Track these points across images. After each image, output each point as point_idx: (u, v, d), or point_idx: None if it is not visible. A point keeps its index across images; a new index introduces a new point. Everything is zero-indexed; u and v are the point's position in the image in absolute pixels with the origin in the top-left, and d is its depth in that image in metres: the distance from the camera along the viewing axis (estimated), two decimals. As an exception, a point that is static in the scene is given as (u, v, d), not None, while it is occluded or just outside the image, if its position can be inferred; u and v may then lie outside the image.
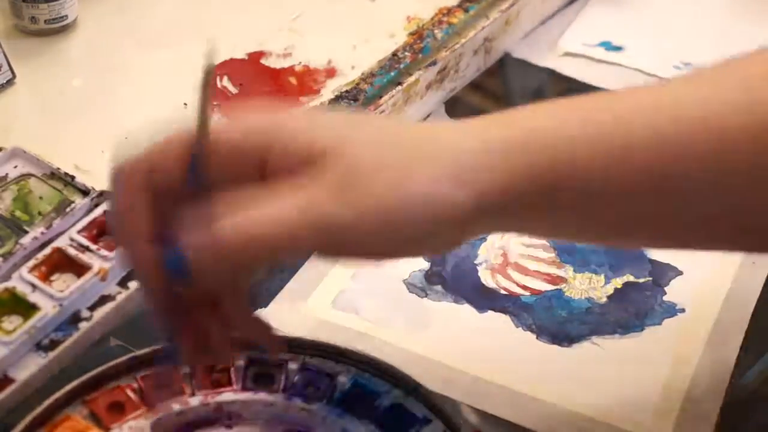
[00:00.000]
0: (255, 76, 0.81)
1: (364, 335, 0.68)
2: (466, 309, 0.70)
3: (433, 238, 0.51)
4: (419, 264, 0.73)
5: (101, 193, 0.70)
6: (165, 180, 0.51)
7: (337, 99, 0.79)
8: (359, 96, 0.79)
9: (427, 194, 0.50)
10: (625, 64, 0.89)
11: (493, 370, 0.66)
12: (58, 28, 0.84)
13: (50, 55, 0.83)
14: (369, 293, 0.71)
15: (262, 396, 0.60)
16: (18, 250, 0.67)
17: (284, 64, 0.83)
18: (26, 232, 0.68)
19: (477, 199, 0.50)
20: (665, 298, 0.71)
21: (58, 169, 0.71)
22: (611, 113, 0.52)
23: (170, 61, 0.82)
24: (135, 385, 0.60)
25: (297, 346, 0.62)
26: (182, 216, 0.50)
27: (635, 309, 0.70)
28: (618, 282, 0.72)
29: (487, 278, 0.72)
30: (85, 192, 0.70)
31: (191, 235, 0.49)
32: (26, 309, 0.64)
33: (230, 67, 0.82)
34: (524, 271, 0.73)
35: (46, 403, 0.58)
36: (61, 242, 0.67)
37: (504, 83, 0.90)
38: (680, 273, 0.72)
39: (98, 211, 0.69)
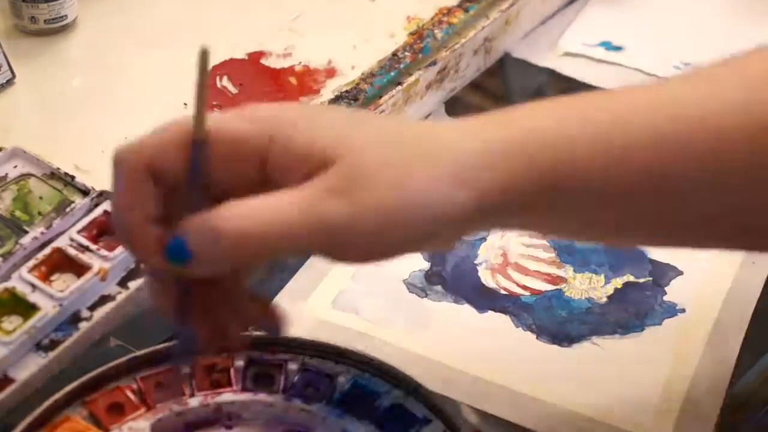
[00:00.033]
0: (255, 76, 0.81)
1: (364, 335, 0.68)
2: (466, 309, 0.70)
3: (433, 237, 0.51)
4: (419, 264, 0.73)
5: (101, 193, 0.70)
6: (166, 168, 0.51)
7: (337, 99, 0.79)
8: (359, 96, 0.79)
9: (427, 194, 0.50)
10: (625, 64, 0.89)
11: (493, 370, 0.66)
12: (58, 28, 0.84)
13: (50, 55, 0.83)
14: (369, 293, 0.71)
15: (261, 397, 0.60)
16: (18, 250, 0.67)
17: (284, 64, 0.83)
18: (26, 232, 0.68)
19: (477, 199, 0.50)
20: (665, 298, 0.71)
21: (58, 169, 0.71)
22: (610, 113, 0.52)
23: (170, 61, 0.82)
24: (135, 386, 0.60)
25: (297, 346, 0.62)
26: (183, 204, 0.50)
27: (635, 309, 0.70)
28: (618, 282, 0.72)
29: (487, 278, 0.72)
30: (85, 192, 0.70)
31: (191, 222, 0.49)
32: (26, 309, 0.64)
33: (230, 67, 0.82)
34: (524, 271, 0.73)
35: (46, 404, 0.58)
36: (61, 242, 0.67)
37: (504, 83, 0.90)
38: (680, 273, 0.72)
39: (98, 211, 0.69)
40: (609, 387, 0.66)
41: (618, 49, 0.91)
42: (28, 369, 0.62)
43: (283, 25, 0.86)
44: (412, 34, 0.85)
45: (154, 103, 0.78)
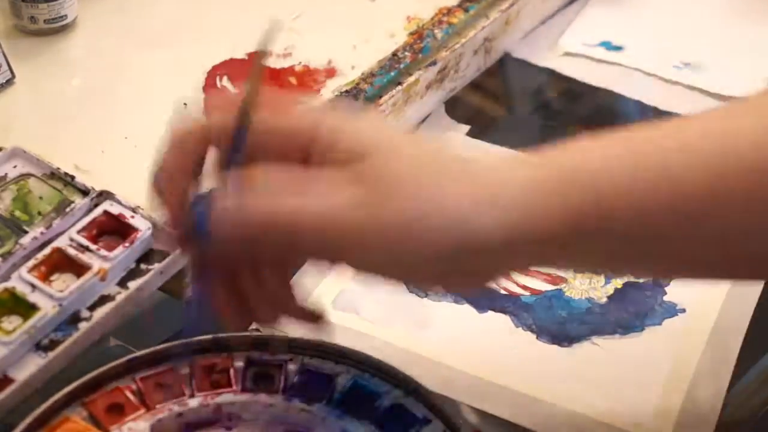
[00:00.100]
0: (255, 76, 0.81)
1: (364, 335, 0.68)
2: (466, 309, 0.70)
3: (453, 264, 0.50)
4: (419, 264, 0.73)
5: (101, 193, 0.70)
6: (215, 145, 0.52)
7: (337, 99, 0.79)
8: (359, 96, 0.79)
9: (452, 211, 0.49)
10: (625, 63, 0.89)
11: (493, 370, 0.66)
12: (58, 28, 0.84)
13: (50, 55, 0.83)
14: (369, 293, 0.71)
15: (261, 397, 0.60)
16: (18, 250, 0.67)
17: (284, 64, 0.83)
18: (26, 232, 0.68)
19: (507, 230, 0.49)
20: (665, 298, 0.71)
21: (58, 169, 0.71)
22: (658, 156, 0.51)
23: (170, 61, 0.82)
24: (134, 387, 0.60)
25: (297, 346, 0.62)
26: (220, 178, 0.51)
27: (635, 309, 0.70)
28: (618, 282, 0.72)
29: (487, 278, 0.72)
30: (84, 192, 0.70)
31: (220, 197, 0.50)
32: (26, 309, 0.64)
33: (230, 67, 0.82)
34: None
35: (46, 404, 0.58)
36: (61, 242, 0.67)
37: (504, 83, 0.90)
38: (680, 273, 0.72)
39: (98, 211, 0.69)
40: (609, 387, 0.66)
41: (618, 49, 0.91)
42: (27, 369, 0.62)
43: (283, 25, 0.86)
44: (412, 34, 0.85)
45: (154, 103, 0.78)
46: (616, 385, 0.66)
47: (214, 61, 0.82)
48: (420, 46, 0.83)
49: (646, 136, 0.52)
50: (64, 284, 0.66)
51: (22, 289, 0.65)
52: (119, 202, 0.69)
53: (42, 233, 0.68)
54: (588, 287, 0.72)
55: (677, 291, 0.71)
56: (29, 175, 0.71)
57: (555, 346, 0.68)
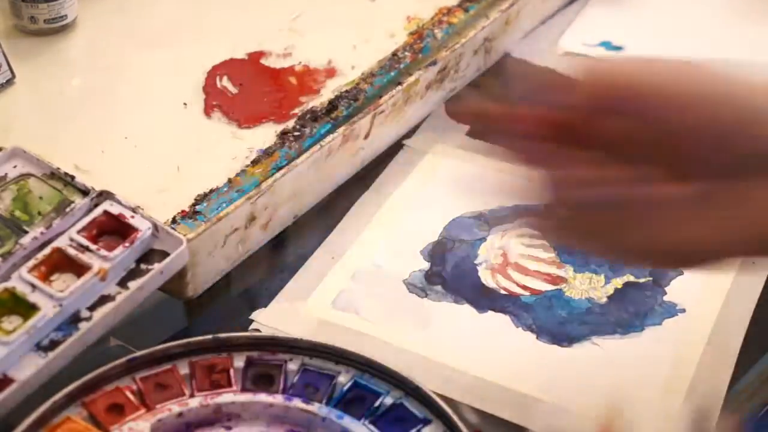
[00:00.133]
0: (255, 76, 0.81)
1: (364, 335, 0.68)
2: (466, 309, 0.70)
3: None
4: (419, 264, 0.73)
5: (101, 193, 0.70)
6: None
7: (337, 99, 0.79)
8: (359, 96, 0.79)
9: None
10: (625, 63, 0.89)
11: (493, 370, 0.66)
12: (58, 28, 0.84)
13: (50, 55, 0.83)
14: (369, 293, 0.71)
15: (261, 397, 0.60)
16: (18, 250, 0.67)
17: (284, 64, 0.83)
18: (26, 232, 0.68)
19: None
20: (665, 298, 0.71)
21: (58, 169, 0.71)
22: None
23: (170, 61, 0.82)
24: (134, 387, 0.60)
25: (297, 346, 0.62)
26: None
27: (635, 309, 0.70)
28: (618, 282, 0.72)
29: (487, 278, 0.72)
30: (84, 192, 0.70)
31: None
32: (26, 309, 0.64)
33: (230, 67, 0.82)
34: (524, 271, 0.73)
35: (46, 404, 0.58)
36: (61, 242, 0.67)
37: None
38: (680, 273, 0.72)
39: (98, 211, 0.69)
40: (609, 387, 0.66)
41: (618, 49, 0.91)
42: (28, 369, 0.62)
43: (283, 25, 0.86)
44: (412, 34, 0.85)
45: (154, 103, 0.79)
46: (616, 385, 0.66)
47: (214, 61, 0.82)
48: (420, 46, 0.83)
49: None
50: (64, 284, 0.66)
51: (22, 289, 0.65)
52: (119, 202, 0.69)
53: (42, 233, 0.68)
54: (588, 287, 0.72)
55: (677, 291, 0.71)
56: (29, 175, 0.71)
57: (555, 346, 0.68)
